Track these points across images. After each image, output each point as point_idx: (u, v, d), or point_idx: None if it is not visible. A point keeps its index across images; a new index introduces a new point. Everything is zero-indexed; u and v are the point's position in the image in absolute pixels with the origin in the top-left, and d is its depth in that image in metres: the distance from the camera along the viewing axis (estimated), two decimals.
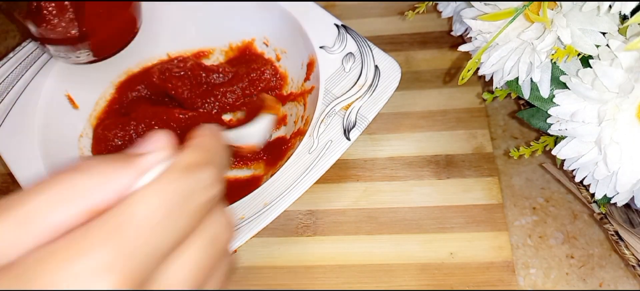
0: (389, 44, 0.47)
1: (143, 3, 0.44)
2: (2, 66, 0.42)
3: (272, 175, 0.34)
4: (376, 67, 0.37)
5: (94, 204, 0.16)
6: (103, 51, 0.40)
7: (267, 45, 0.44)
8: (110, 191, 0.16)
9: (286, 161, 0.35)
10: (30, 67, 0.41)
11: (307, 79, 0.41)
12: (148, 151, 0.17)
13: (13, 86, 0.40)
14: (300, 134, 0.39)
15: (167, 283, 0.16)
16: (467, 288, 0.35)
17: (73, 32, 0.36)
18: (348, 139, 0.35)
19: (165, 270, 0.16)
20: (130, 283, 0.15)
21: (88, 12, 0.36)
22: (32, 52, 0.42)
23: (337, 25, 0.40)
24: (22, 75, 0.41)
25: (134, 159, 0.17)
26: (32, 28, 0.37)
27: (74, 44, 0.37)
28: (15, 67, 0.41)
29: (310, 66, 0.40)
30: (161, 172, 0.17)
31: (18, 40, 0.53)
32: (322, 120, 0.36)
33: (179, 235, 0.16)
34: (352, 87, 0.37)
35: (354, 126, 0.35)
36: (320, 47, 0.39)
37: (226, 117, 0.44)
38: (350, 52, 0.39)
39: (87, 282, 0.14)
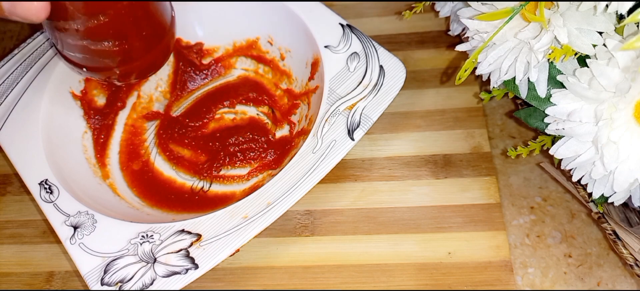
0: (387, 43, 0.47)
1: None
2: (5, 63, 0.41)
3: (275, 174, 0.34)
4: (381, 67, 0.38)
5: None
6: (136, 76, 0.38)
7: (271, 44, 0.44)
8: None
9: (290, 160, 0.35)
10: (34, 64, 0.41)
11: (311, 78, 0.41)
12: None
13: (17, 83, 0.40)
14: (304, 133, 0.39)
15: None
16: (465, 288, 0.35)
17: (114, 65, 0.35)
18: (352, 139, 0.35)
19: None
20: None
21: (129, 45, 0.34)
22: (36, 50, 0.42)
23: (342, 25, 0.40)
24: (26, 72, 0.41)
25: None
26: (71, 54, 0.35)
27: (110, 71, 0.36)
28: (19, 65, 0.41)
29: (315, 65, 0.40)
30: None
31: (15, 41, 0.53)
32: (326, 120, 0.36)
33: None
34: (356, 87, 0.37)
35: (358, 126, 0.35)
36: (325, 47, 0.39)
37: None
38: (355, 52, 0.39)
39: None
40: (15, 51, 0.42)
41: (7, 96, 0.40)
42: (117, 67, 0.35)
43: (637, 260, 0.31)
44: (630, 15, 0.25)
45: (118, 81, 0.39)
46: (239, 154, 0.42)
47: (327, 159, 0.34)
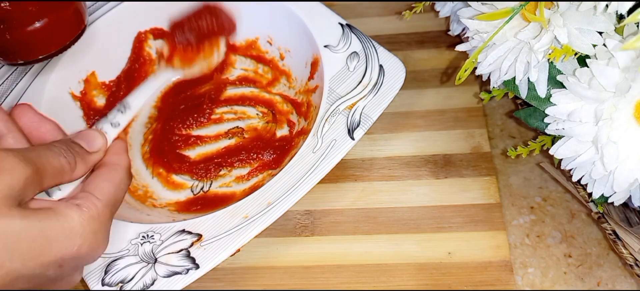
0: (387, 43, 0.47)
1: (150, 3, 0.44)
2: (5, 64, 0.41)
3: (275, 174, 0.34)
4: (381, 66, 0.38)
5: None
6: (30, 54, 0.37)
7: (271, 44, 0.44)
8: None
9: (290, 160, 0.35)
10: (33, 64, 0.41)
11: (311, 78, 0.41)
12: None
13: (17, 83, 0.40)
14: (304, 133, 0.39)
15: None
16: (465, 288, 0.35)
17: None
18: (352, 138, 0.35)
19: None
20: None
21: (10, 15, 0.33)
22: None
23: (341, 25, 0.40)
24: (26, 72, 0.41)
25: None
26: None
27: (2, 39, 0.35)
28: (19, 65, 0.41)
29: (315, 65, 0.40)
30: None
31: None
32: (326, 119, 0.36)
33: None
34: (356, 86, 0.37)
35: (358, 126, 0.35)
36: (325, 46, 0.39)
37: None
38: (355, 52, 0.39)
39: None
40: None
41: (7, 96, 0.40)
42: (8, 33, 0.34)
43: (637, 260, 0.31)
44: (630, 15, 0.25)
45: (19, 57, 0.37)
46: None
47: (327, 158, 0.34)
